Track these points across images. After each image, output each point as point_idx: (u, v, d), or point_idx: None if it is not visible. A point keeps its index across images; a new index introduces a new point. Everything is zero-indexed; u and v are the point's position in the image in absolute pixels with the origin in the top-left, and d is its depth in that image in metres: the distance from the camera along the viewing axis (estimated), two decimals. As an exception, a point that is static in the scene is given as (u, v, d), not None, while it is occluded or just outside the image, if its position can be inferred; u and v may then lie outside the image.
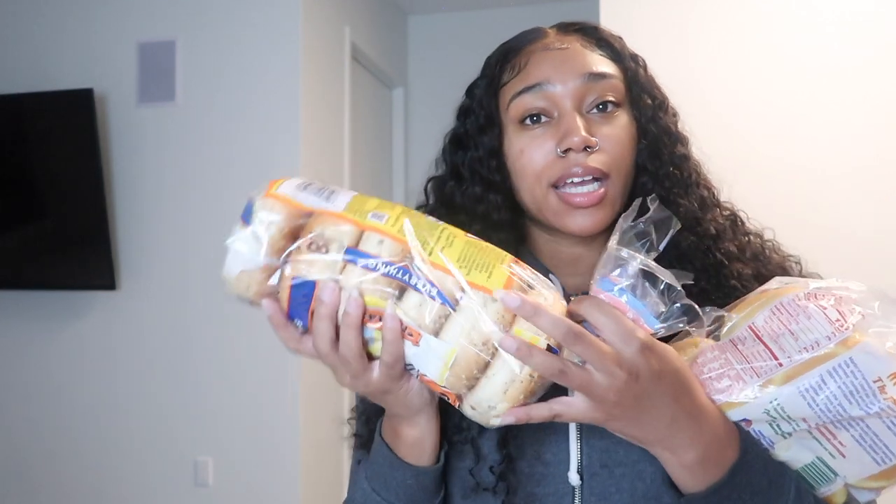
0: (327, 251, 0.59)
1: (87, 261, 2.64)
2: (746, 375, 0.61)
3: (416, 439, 0.68)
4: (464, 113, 0.82)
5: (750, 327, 0.63)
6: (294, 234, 0.60)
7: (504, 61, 0.78)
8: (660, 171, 0.77)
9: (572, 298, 0.70)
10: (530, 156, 0.74)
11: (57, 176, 2.65)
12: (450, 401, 0.61)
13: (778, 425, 0.62)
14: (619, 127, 0.74)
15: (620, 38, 0.80)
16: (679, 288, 0.61)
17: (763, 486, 0.61)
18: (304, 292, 0.59)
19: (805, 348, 0.59)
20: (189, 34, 2.67)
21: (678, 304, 0.61)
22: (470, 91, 0.82)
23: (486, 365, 0.57)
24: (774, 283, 0.66)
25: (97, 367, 2.70)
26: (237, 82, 2.63)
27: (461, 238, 0.61)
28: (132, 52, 2.69)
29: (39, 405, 2.75)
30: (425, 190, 0.85)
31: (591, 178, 0.72)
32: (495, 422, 0.59)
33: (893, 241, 2.12)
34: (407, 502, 0.71)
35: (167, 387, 2.64)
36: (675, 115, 0.81)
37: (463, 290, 0.58)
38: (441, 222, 0.62)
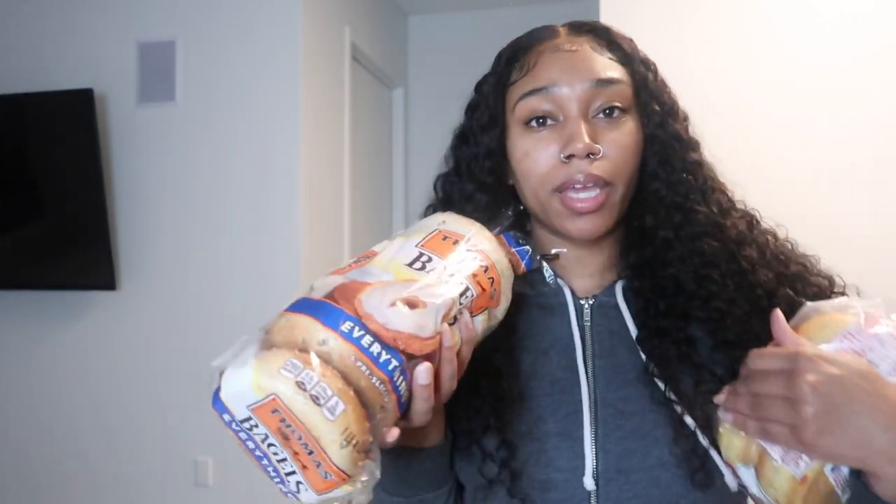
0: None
1: (87, 261, 2.64)
2: None
3: (431, 424, 0.69)
4: (471, 108, 0.82)
5: None
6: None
7: (513, 59, 0.77)
8: (672, 177, 0.76)
9: (587, 303, 0.77)
10: (535, 159, 0.74)
11: (57, 176, 2.65)
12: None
13: None
14: (625, 133, 0.73)
15: (631, 40, 0.79)
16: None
17: None
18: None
19: (890, 373, 0.59)
20: (189, 34, 2.67)
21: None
22: (479, 87, 0.82)
23: None
24: (819, 306, 0.65)
25: (97, 367, 2.70)
26: (237, 82, 2.63)
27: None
28: (132, 52, 2.69)
29: (39, 405, 2.75)
30: (434, 187, 0.85)
31: (592, 184, 0.72)
32: None
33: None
34: (429, 486, 0.74)
35: (167, 387, 2.64)
36: (685, 119, 0.80)
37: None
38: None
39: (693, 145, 0.79)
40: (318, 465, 0.52)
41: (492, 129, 0.78)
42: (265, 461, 0.55)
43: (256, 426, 0.53)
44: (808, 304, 0.67)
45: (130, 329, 2.68)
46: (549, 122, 0.74)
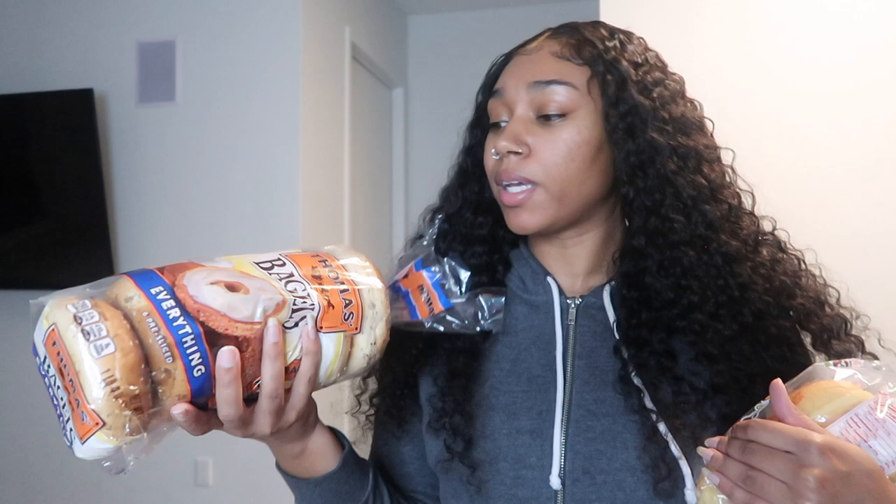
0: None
1: (87, 261, 2.64)
2: None
3: (310, 451, 0.74)
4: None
5: None
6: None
7: (498, 63, 0.82)
8: (645, 183, 0.74)
9: (573, 303, 0.76)
10: (485, 157, 0.79)
11: (57, 176, 2.65)
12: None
13: None
14: (561, 135, 0.73)
15: (614, 39, 0.77)
16: (464, 281, 0.73)
17: None
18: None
19: (887, 464, 0.58)
20: (189, 34, 2.67)
21: (468, 296, 0.72)
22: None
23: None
24: (829, 372, 0.64)
25: (97, 368, 2.70)
26: (237, 82, 2.63)
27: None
28: (132, 52, 2.69)
29: (39, 405, 2.75)
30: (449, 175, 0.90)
31: (517, 182, 0.75)
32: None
33: None
34: None
35: (167, 387, 2.63)
36: (667, 125, 0.75)
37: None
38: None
39: (676, 153, 0.75)
40: (78, 404, 0.51)
41: (476, 127, 0.84)
42: (59, 410, 0.55)
43: (49, 366, 0.54)
44: (819, 364, 0.66)
45: (130, 329, 2.68)
46: (502, 123, 0.77)
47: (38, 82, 2.70)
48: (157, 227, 2.67)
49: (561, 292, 0.80)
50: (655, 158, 0.74)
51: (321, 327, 0.61)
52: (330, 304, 0.61)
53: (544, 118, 0.74)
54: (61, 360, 0.53)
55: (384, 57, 3.52)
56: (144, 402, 0.53)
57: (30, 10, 2.78)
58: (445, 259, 0.74)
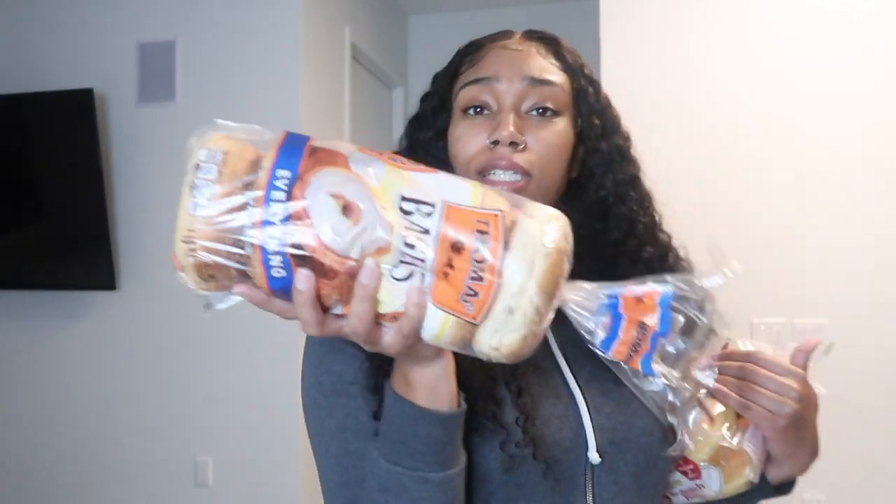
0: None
1: (87, 261, 2.64)
2: None
3: (434, 382, 0.62)
4: (426, 97, 0.88)
5: None
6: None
7: (466, 54, 0.84)
8: (618, 189, 0.82)
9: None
10: (465, 143, 0.78)
11: (57, 176, 2.65)
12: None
13: None
14: (553, 132, 0.78)
15: (579, 55, 0.85)
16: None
17: None
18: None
19: None
20: (189, 34, 2.67)
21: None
22: (434, 79, 0.88)
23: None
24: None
25: (97, 367, 2.70)
26: (237, 82, 2.63)
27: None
28: (132, 52, 2.70)
29: (39, 405, 2.75)
30: None
31: (512, 171, 0.76)
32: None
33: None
34: (437, 464, 0.65)
35: (167, 387, 2.64)
36: (627, 139, 0.85)
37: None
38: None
39: (635, 162, 0.85)
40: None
41: (442, 112, 0.84)
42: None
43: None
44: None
45: (130, 329, 2.68)
46: (484, 111, 0.79)
47: (38, 82, 2.70)
48: (157, 227, 2.67)
49: None
50: (622, 165, 0.83)
51: (433, 297, 0.53)
52: (445, 276, 0.52)
53: (539, 113, 0.78)
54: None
55: (384, 57, 3.52)
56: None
57: (30, 10, 2.78)
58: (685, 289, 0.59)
